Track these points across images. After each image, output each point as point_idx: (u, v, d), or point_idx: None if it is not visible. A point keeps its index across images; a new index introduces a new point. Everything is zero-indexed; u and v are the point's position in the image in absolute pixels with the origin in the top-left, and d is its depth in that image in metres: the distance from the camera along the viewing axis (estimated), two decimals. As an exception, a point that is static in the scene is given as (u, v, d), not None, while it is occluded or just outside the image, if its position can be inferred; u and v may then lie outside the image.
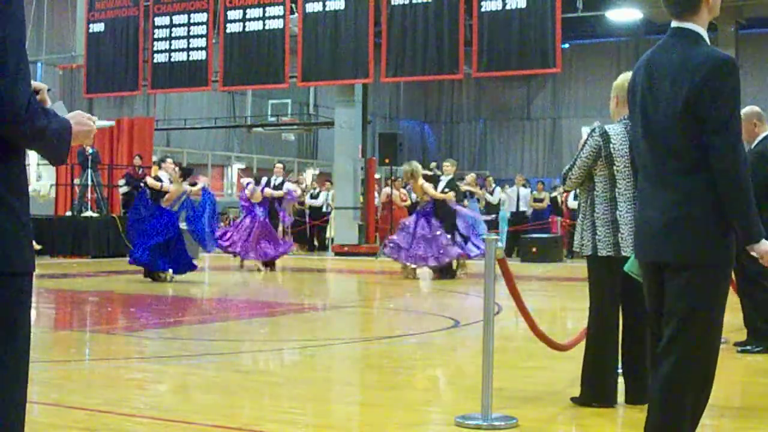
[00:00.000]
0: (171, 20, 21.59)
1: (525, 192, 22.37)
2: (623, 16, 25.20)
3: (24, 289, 2.36)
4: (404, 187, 18.97)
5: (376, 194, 22.41)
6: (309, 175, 30.78)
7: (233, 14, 20.73)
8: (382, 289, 13.51)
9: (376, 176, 24.00)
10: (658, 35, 3.59)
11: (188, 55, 21.36)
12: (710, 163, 3.14)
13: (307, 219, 23.55)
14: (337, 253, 21.33)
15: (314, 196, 23.67)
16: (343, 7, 19.54)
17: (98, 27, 22.38)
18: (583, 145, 5.06)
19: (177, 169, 13.75)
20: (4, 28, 2.24)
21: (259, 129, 28.57)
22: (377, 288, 13.78)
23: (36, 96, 2.38)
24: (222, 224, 19.33)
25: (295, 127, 29.21)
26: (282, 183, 16.36)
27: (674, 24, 3.32)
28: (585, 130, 5.24)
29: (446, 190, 14.33)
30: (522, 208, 22.07)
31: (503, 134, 37.10)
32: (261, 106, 29.17)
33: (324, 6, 19.73)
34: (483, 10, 18.06)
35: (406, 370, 6.66)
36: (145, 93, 23.80)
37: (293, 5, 20.25)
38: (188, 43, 21.37)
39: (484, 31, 18.09)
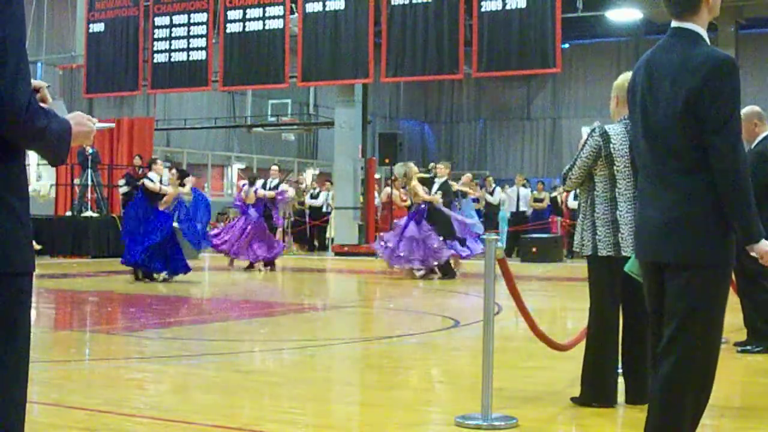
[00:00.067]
0: (171, 20, 21.60)
1: (525, 192, 22.37)
2: (623, 16, 25.20)
3: (24, 289, 2.36)
4: (404, 188, 18.98)
5: (376, 194, 22.40)
6: (309, 175, 30.76)
7: (233, 14, 20.73)
8: (382, 289, 13.51)
9: (376, 176, 24.00)
10: (658, 35, 3.59)
11: (188, 55, 21.36)
12: (710, 163, 3.14)
13: (307, 219, 23.55)
14: (337, 253, 21.33)
15: (314, 196, 23.67)
16: (343, 7, 19.54)
17: (98, 27, 22.39)
18: (583, 145, 5.07)
19: (175, 171, 13.79)
20: (5, 28, 2.24)
21: (259, 129, 28.56)
22: (377, 288, 13.78)
23: (36, 94, 2.38)
24: (222, 224, 19.36)
25: (295, 127, 29.20)
26: (278, 185, 16.44)
27: (674, 24, 3.32)
28: (585, 130, 5.24)
29: (438, 192, 14.35)
30: (522, 208, 22.07)
31: (503, 134, 37.08)
32: (261, 106, 29.16)
33: (324, 6, 19.73)
34: (483, 10, 18.06)
35: (406, 370, 6.67)
36: (145, 93, 23.80)
37: (293, 5, 20.24)
38: (188, 43, 21.37)
39: (484, 31, 18.09)
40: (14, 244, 2.30)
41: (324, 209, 23.29)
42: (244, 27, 20.61)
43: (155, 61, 21.68)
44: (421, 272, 14.43)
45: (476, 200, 22.60)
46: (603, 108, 6.72)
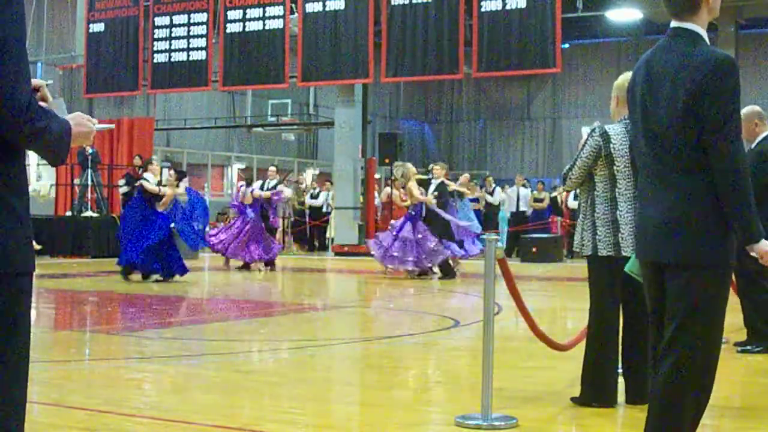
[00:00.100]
0: (171, 20, 21.60)
1: (525, 192, 22.38)
2: (623, 16, 25.20)
3: (24, 289, 2.36)
4: (404, 188, 18.98)
5: (376, 194, 22.41)
6: (309, 175, 30.76)
7: (233, 14, 20.74)
8: (382, 289, 13.51)
9: (376, 176, 24.00)
10: (658, 35, 3.59)
11: (188, 55, 21.37)
12: (710, 163, 3.14)
13: (307, 219, 23.56)
14: (337, 253, 21.33)
15: (314, 196, 23.68)
16: (343, 7, 19.54)
17: (98, 27, 22.39)
18: (584, 145, 5.07)
19: (173, 172, 13.82)
20: (5, 27, 2.23)
21: (259, 129, 28.56)
22: (377, 288, 13.78)
23: (36, 93, 2.38)
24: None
25: (295, 127, 29.21)
26: (276, 185, 16.53)
27: (674, 24, 3.32)
28: (585, 130, 5.24)
29: (434, 193, 14.36)
30: (522, 208, 22.08)
31: (503, 134, 37.08)
32: (261, 106, 29.16)
33: (324, 6, 19.74)
34: (483, 10, 18.06)
35: (406, 370, 6.67)
36: (145, 93, 23.79)
37: (293, 5, 20.25)
38: (188, 43, 21.38)
39: (484, 31, 18.09)
40: (14, 243, 2.30)
41: (324, 209, 23.30)
42: (244, 27, 20.61)
43: (155, 61, 21.68)
44: (415, 272, 14.43)
45: (476, 200, 22.60)
46: (603, 108, 6.73)
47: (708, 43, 3.28)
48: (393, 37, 18.99)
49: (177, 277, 13.33)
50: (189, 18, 21.40)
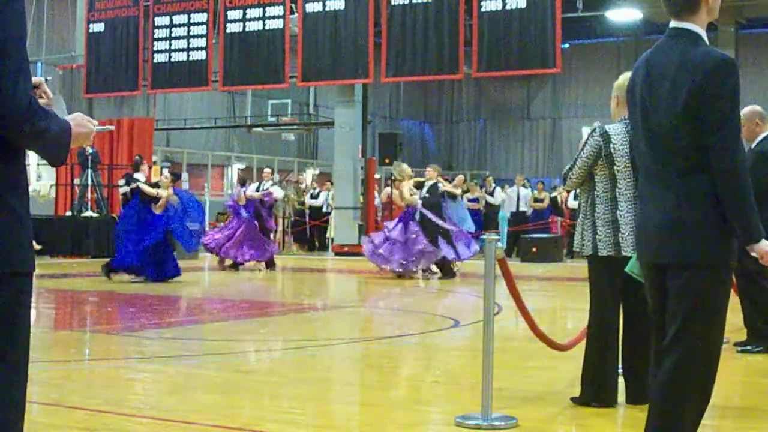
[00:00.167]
0: (171, 20, 21.60)
1: (525, 192, 22.38)
2: (623, 16, 25.21)
3: (24, 289, 2.36)
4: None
5: (376, 194, 22.41)
6: (309, 175, 30.76)
7: (233, 14, 20.73)
8: (382, 289, 13.50)
9: (376, 176, 24.00)
10: (658, 35, 3.58)
11: (188, 55, 21.36)
12: (710, 163, 3.13)
13: (307, 219, 23.56)
14: (337, 253, 21.33)
15: (314, 196, 23.68)
16: (343, 7, 19.54)
17: (98, 27, 22.39)
18: (584, 145, 5.07)
19: (168, 174, 13.84)
20: (6, 27, 2.24)
21: (259, 129, 28.55)
22: (377, 288, 13.78)
23: (36, 91, 2.38)
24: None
25: (295, 127, 29.20)
26: (271, 186, 16.72)
27: (673, 24, 3.32)
28: (585, 130, 5.25)
29: (427, 194, 14.34)
30: (522, 208, 22.08)
31: (503, 134, 37.08)
32: (261, 106, 29.15)
33: (324, 6, 19.74)
34: (483, 10, 18.06)
35: (406, 370, 6.67)
36: (145, 93, 23.80)
37: (293, 5, 20.24)
38: (188, 43, 21.37)
39: (484, 31, 18.09)
40: (14, 243, 2.31)
41: (324, 209, 23.30)
42: (244, 27, 20.61)
43: (155, 61, 21.68)
44: (399, 272, 14.43)
45: (476, 200, 22.61)
46: (603, 108, 6.72)
47: (707, 43, 3.28)
48: (393, 37, 18.99)
49: (177, 277, 13.35)
50: (189, 18, 21.40)
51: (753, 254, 3.22)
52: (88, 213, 18.85)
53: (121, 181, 20.18)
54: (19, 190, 2.33)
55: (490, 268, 4.69)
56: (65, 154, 2.41)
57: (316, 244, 23.59)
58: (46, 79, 2.49)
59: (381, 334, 8.93)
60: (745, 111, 6.71)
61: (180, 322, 9.64)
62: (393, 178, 20.14)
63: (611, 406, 5.00)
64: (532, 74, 26.86)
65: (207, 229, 15.28)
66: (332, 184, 23.23)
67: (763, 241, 3.17)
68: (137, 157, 19.47)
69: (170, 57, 21.52)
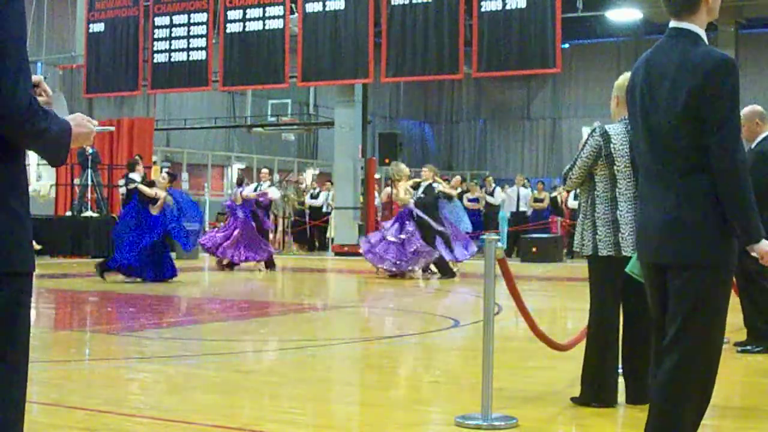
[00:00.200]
0: (171, 20, 21.60)
1: (525, 192, 22.38)
2: (623, 16, 25.20)
3: (24, 289, 2.36)
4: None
5: (376, 194, 22.41)
6: (309, 175, 30.76)
7: (233, 14, 20.74)
8: (382, 289, 13.50)
9: (376, 176, 23.99)
10: (658, 35, 3.58)
11: (188, 55, 21.37)
12: (710, 163, 3.13)
13: (307, 219, 23.56)
14: (337, 253, 21.33)
15: (314, 196, 23.68)
16: (343, 7, 19.54)
17: (98, 27, 22.39)
18: (584, 145, 5.07)
19: (165, 175, 13.86)
20: (6, 27, 2.23)
21: (259, 129, 28.55)
22: (377, 288, 13.78)
23: (36, 89, 2.38)
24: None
25: (295, 127, 29.19)
26: (268, 187, 16.80)
27: (672, 24, 3.32)
28: (585, 130, 5.26)
29: (422, 195, 14.35)
30: (522, 208, 22.08)
31: (503, 134, 37.07)
32: (261, 106, 29.14)
33: (324, 6, 19.74)
34: (483, 10, 18.06)
35: (406, 370, 6.67)
36: (145, 93, 23.80)
37: (293, 5, 20.24)
38: (188, 43, 21.38)
39: (484, 31, 18.09)
40: (14, 243, 2.31)
41: (324, 209, 23.30)
42: (244, 27, 20.61)
43: (155, 61, 21.68)
44: (391, 272, 14.45)
45: (476, 200, 22.61)
46: (603, 108, 6.72)
47: (707, 43, 3.28)
48: (393, 37, 18.99)
49: (176, 277, 13.36)
50: (189, 18, 21.40)
51: (753, 254, 3.22)
52: (88, 213, 18.86)
53: (121, 181, 20.18)
54: (19, 190, 2.34)
55: (490, 268, 4.69)
56: (65, 154, 2.41)
57: (316, 244, 23.59)
58: (45, 78, 2.49)
59: (381, 334, 8.93)
60: (745, 111, 6.71)
61: (180, 322, 9.64)
62: (393, 178, 20.20)
63: (611, 406, 5.00)
64: (532, 74, 26.84)
65: (207, 229, 15.29)
66: (332, 184, 23.23)
67: (764, 241, 3.17)
68: (136, 157, 19.52)
69: (170, 57, 21.52)
